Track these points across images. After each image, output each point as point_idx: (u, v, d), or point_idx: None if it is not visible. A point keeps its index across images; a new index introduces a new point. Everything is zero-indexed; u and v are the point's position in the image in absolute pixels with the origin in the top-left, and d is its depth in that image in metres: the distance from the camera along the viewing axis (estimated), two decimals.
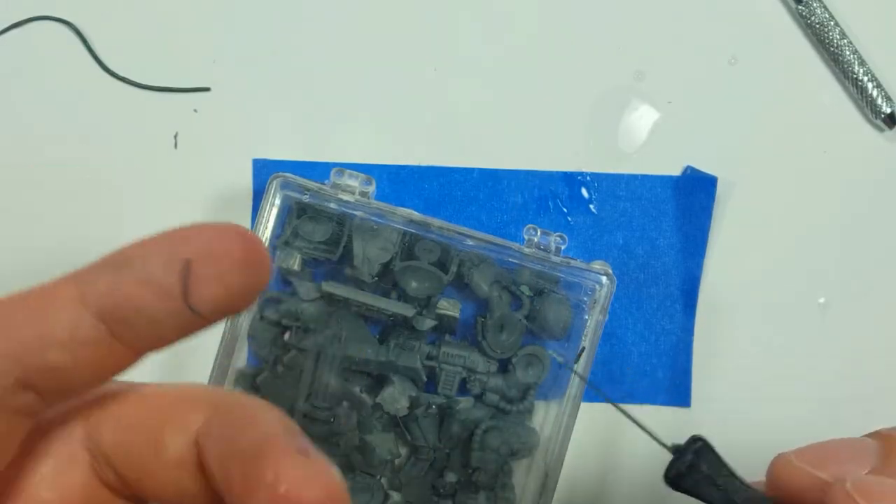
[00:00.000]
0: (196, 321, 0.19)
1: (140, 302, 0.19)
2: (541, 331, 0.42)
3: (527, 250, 0.40)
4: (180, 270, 0.19)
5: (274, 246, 0.41)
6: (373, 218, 0.41)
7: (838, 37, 0.45)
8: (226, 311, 0.20)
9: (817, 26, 0.45)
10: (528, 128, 0.45)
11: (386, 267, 0.41)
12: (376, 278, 0.41)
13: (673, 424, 0.44)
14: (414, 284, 0.41)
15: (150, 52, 0.45)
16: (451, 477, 0.41)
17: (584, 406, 0.42)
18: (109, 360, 0.20)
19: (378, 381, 0.41)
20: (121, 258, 0.20)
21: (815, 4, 0.45)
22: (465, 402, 0.42)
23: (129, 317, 0.19)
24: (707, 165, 0.45)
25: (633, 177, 0.45)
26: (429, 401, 0.41)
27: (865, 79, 0.45)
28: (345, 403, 0.41)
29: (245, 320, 0.41)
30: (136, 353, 0.20)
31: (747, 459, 0.45)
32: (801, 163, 0.45)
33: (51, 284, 0.20)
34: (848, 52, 0.45)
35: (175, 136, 0.45)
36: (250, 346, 0.42)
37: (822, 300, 0.45)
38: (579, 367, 0.41)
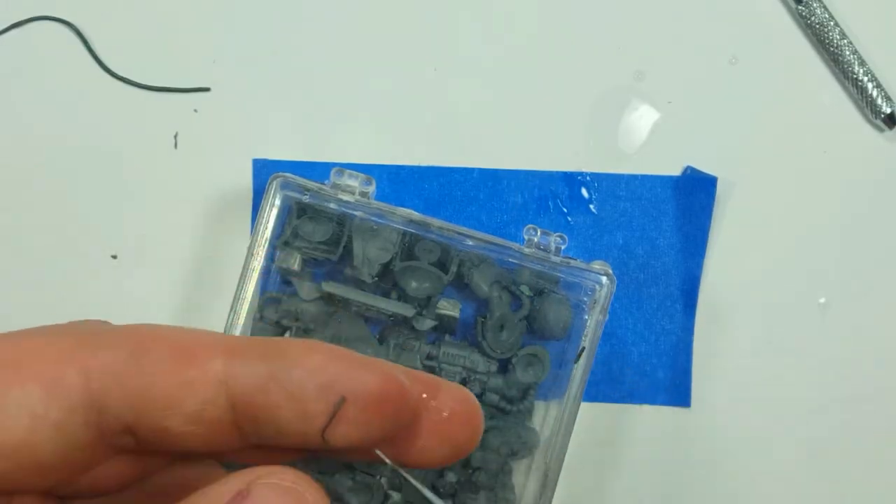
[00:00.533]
0: (319, 445, 0.19)
1: (280, 413, 0.18)
2: (541, 331, 0.42)
3: (527, 250, 0.40)
4: (334, 404, 0.18)
5: (274, 246, 0.41)
6: (373, 218, 0.41)
7: (838, 37, 0.45)
8: (355, 449, 0.19)
9: (817, 26, 0.45)
10: (528, 128, 0.45)
11: (386, 267, 0.41)
12: (376, 278, 0.41)
13: (672, 424, 0.44)
14: (414, 284, 0.41)
15: (150, 52, 0.45)
16: (451, 477, 0.41)
17: (584, 406, 0.42)
18: (219, 442, 0.19)
19: None
20: (279, 355, 0.19)
21: (815, 4, 0.45)
22: None
23: (263, 419, 0.18)
24: (707, 165, 0.45)
25: (633, 177, 0.45)
26: None
27: (865, 79, 0.45)
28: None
29: (245, 320, 0.41)
30: (246, 444, 0.19)
31: (746, 459, 0.45)
32: (801, 163, 0.45)
33: (202, 349, 0.19)
34: (848, 52, 0.45)
35: (175, 136, 0.45)
36: None
37: (822, 300, 0.45)
38: (579, 366, 0.41)
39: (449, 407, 0.21)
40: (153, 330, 0.20)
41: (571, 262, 0.41)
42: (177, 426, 0.18)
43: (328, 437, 0.18)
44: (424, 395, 0.20)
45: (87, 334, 0.19)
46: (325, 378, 0.18)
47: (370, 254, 0.41)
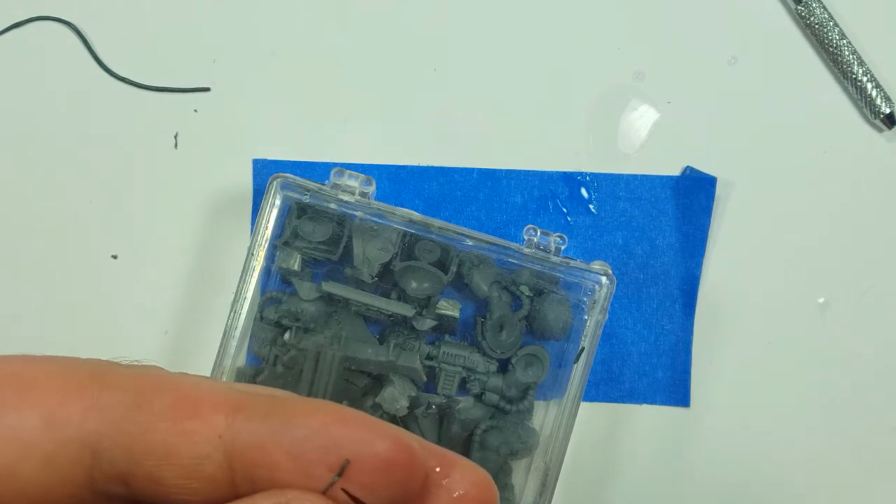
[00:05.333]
0: None
1: (280, 474, 0.18)
2: (541, 331, 0.42)
3: (526, 250, 0.40)
4: (339, 468, 0.18)
5: (274, 246, 0.41)
6: (373, 218, 0.41)
7: (837, 37, 0.45)
8: None
9: (816, 26, 0.45)
10: (528, 128, 0.45)
11: (386, 267, 0.41)
12: (376, 278, 0.41)
13: (672, 424, 0.44)
14: (414, 284, 0.41)
15: (150, 52, 0.45)
16: None
17: (584, 406, 0.42)
18: (213, 495, 0.18)
19: (378, 381, 0.41)
20: (282, 413, 0.18)
21: (814, 4, 0.45)
22: (465, 402, 0.42)
23: (261, 479, 0.18)
24: (707, 165, 0.45)
25: (633, 177, 0.45)
26: (429, 401, 0.41)
27: (864, 79, 0.45)
28: (345, 403, 0.41)
29: (245, 320, 0.41)
30: (237, 498, 0.18)
31: (746, 459, 0.45)
32: (800, 163, 0.45)
33: (206, 402, 0.18)
34: (847, 53, 0.45)
35: (175, 136, 0.45)
36: (250, 345, 0.42)
37: (821, 300, 0.45)
38: (579, 366, 0.41)
39: (463, 487, 0.20)
40: (162, 376, 0.19)
41: (571, 262, 0.41)
42: (171, 478, 0.18)
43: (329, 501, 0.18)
44: (438, 470, 0.20)
45: (100, 373, 0.19)
46: (330, 439, 0.18)
47: (370, 254, 0.41)
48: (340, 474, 0.18)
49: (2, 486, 0.18)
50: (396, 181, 0.44)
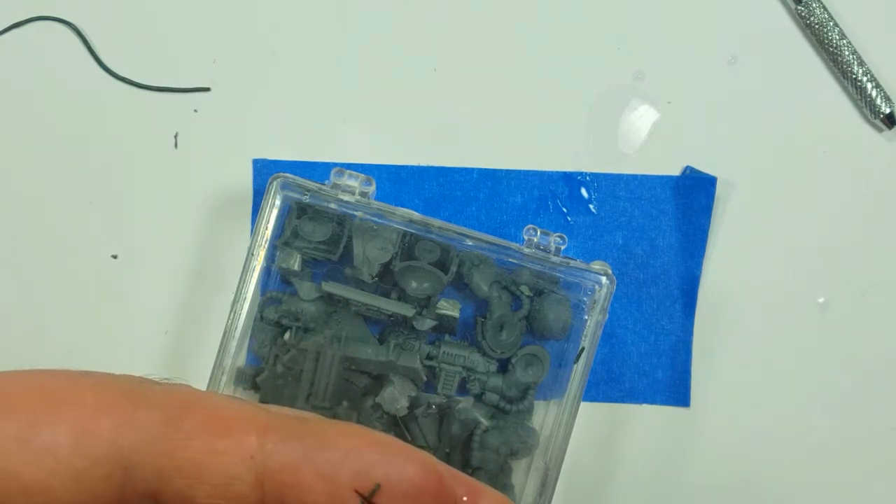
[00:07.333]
0: None
1: (310, 495, 0.18)
2: (541, 331, 0.42)
3: (526, 250, 0.40)
4: (369, 491, 0.18)
5: (274, 246, 0.41)
6: (373, 218, 0.41)
7: (837, 37, 0.45)
8: None
9: (816, 26, 0.45)
10: (528, 128, 0.45)
11: (386, 267, 0.41)
12: (376, 278, 0.41)
13: (672, 424, 0.44)
14: (414, 284, 0.41)
15: (150, 52, 0.45)
16: None
17: (584, 406, 0.42)
18: None
19: (378, 381, 0.41)
20: (313, 435, 0.18)
21: (814, 4, 0.45)
22: (465, 402, 0.42)
23: (290, 500, 0.18)
24: (707, 165, 0.45)
25: (633, 177, 0.45)
26: (429, 401, 0.41)
27: (864, 79, 0.45)
28: (345, 403, 0.41)
29: (245, 320, 0.41)
30: None
31: (746, 459, 0.45)
32: (800, 163, 0.45)
33: (238, 422, 0.18)
34: (847, 53, 0.45)
35: (175, 136, 0.45)
36: (250, 345, 0.42)
37: (821, 300, 0.45)
38: (579, 366, 0.41)
39: None
40: (194, 395, 0.19)
41: (571, 262, 0.41)
42: (202, 497, 0.18)
43: None
44: (465, 498, 0.20)
45: (132, 390, 0.19)
46: (361, 461, 0.18)
47: (370, 254, 0.41)
48: (371, 497, 0.18)
49: (33, 501, 0.18)
50: (396, 181, 0.45)
